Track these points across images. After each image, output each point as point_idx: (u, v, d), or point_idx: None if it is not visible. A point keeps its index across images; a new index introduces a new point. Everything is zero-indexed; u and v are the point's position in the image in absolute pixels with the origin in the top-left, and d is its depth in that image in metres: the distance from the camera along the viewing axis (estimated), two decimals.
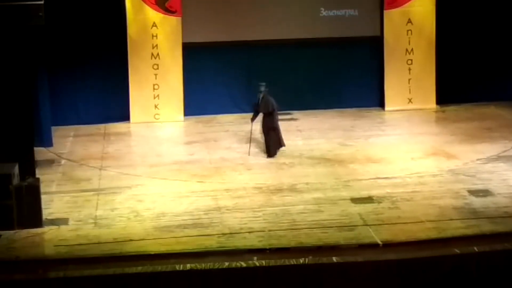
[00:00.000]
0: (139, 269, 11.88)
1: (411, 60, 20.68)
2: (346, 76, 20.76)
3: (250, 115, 17.35)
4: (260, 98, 16.97)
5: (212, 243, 12.63)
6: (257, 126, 17.21)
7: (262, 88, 16.95)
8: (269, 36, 20.38)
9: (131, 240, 12.81)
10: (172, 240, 12.76)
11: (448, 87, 20.72)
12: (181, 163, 16.81)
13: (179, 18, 19.94)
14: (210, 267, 11.93)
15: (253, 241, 12.68)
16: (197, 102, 20.29)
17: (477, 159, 16.57)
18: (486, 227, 13.06)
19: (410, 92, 20.73)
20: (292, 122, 19.76)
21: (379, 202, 14.28)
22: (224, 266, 11.95)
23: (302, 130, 19.11)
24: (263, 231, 13.08)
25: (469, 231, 12.93)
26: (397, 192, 14.74)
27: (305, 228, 13.15)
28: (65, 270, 11.89)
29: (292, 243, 12.64)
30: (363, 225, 13.28)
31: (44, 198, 13.80)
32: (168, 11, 19.85)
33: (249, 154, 17.12)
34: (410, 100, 20.72)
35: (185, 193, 14.91)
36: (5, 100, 13.91)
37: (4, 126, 13.94)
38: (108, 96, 19.96)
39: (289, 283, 12.01)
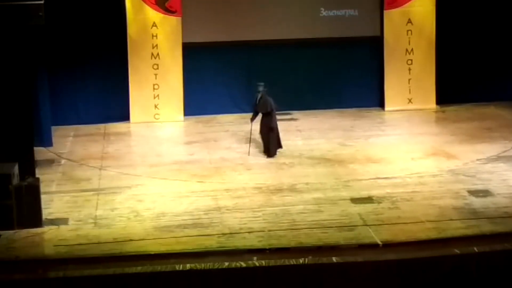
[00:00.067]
0: (139, 269, 11.88)
1: (411, 60, 20.67)
2: (346, 76, 20.76)
3: (250, 115, 17.34)
4: (258, 98, 16.97)
5: (212, 243, 12.63)
6: (256, 126, 17.20)
7: (261, 88, 16.95)
8: (269, 36, 20.37)
9: (131, 240, 12.81)
10: (172, 240, 12.76)
11: (448, 87, 20.72)
12: (181, 163, 16.81)
13: (179, 18, 19.94)
14: (210, 267, 11.93)
15: (253, 241, 12.68)
16: (197, 102, 20.29)
17: (477, 159, 16.57)
18: (486, 227, 13.06)
19: (410, 92, 20.73)
20: (292, 122, 19.76)
21: (379, 202, 14.27)
22: (224, 266, 11.95)
23: (302, 130, 19.11)
24: (263, 231, 13.08)
25: (469, 231, 12.93)
26: (397, 192, 14.74)
27: (305, 228, 13.15)
28: (65, 270, 11.89)
29: (292, 243, 12.64)
30: (363, 225, 13.28)
31: (44, 198, 13.80)
32: (168, 11, 19.85)
33: (248, 154, 17.12)
34: (410, 100, 20.71)
35: (185, 193, 14.91)
36: (5, 100, 13.91)
37: (4, 126, 13.93)
38: (108, 96, 19.96)
39: (289, 283, 12.01)
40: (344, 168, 16.25)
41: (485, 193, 14.60)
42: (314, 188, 15.06)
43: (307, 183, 15.33)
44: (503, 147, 17.38)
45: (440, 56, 20.61)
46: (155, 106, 20.08)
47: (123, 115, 20.00)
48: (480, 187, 14.92)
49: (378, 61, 20.81)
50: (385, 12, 20.53)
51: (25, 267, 12.02)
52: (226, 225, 13.34)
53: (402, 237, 12.80)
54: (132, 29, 19.81)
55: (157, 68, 19.97)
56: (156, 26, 19.84)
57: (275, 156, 16.95)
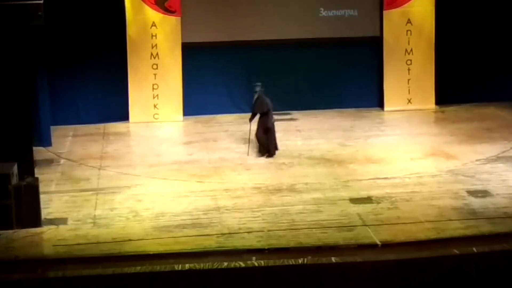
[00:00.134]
0: (138, 269, 11.88)
1: (411, 60, 20.67)
2: (346, 76, 20.76)
3: (250, 115, 17.33)
4: (255, 99, 16.97)
5: (211, 243, 12.62)
6: (255, 127, 17.18)
7: (257, 89, 16.94)
8: (269, 36, 20.38)
9: (130, 240, 12.80)
10: (171, 240, 12.76)
11: (447, 88, 20.72)
12: (180, 163, 16.81)
13: (179, 18, 19.94)
14: (209, 267, 11.93)
15: (252, 241, 12.68)
16: (196, 102, 20.29)
17: (477, 160, 16.56)
18: (485, 228, 13.05)
19: (409, 93, 20.73)
20: (292, 122, 19.77)
21: (378, 203, 14.27)
22: (223, 266, 11.94)
23: (302, 130, 19.11)
24: (262, 231, 13.07)
25: (468, 232, 12.93)
26: (396, 192, 14.74)
27: (304, 228, 13.14)
28: (64, 270, 11.89)
29: (291, 243, 12.63)
30: (362, 225, 13.27)
31: (43, 197, 13.79)
32: (167, 11, 19.85)
33: (248, 154, 17.12)
34: (409, 101, 20.71)
35: (184, 193, 14.90)
36: (5, 100, 13.90)
37: (3, 126, 13.93)
38: (107, 96, 19.96)
39: (288, 283, 12.01)
40: (344, 168, 16.25)
41: (484, 193, 14.59)
42: (314, 188, 15.05)
43: (306, 183, 15.33)
44: (503, 147, 17.38)
45: (440, 56, 20.61)
46: (155, 106, 20.08)
47: (123, 115, 20.00)
48: (479, 187, 14.92)
49: (378, 61, 20.81)
50: (385, 12, 20.53)
51: (24, 266, 12.02)
52: (225, 225, 13.34)
53: (401, 237, 12.80)
54: (131, 29, 19.81)
55: (157, 68, 19.97)
56: (155, 26, 19.84)
57: (275, 156, 16.94)
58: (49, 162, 16.90)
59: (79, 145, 18.22)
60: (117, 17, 19.58)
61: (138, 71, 19.91)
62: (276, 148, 17.08)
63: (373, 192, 14.75)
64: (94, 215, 13.86)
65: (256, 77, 18.29)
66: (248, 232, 13.01)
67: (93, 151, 17.70)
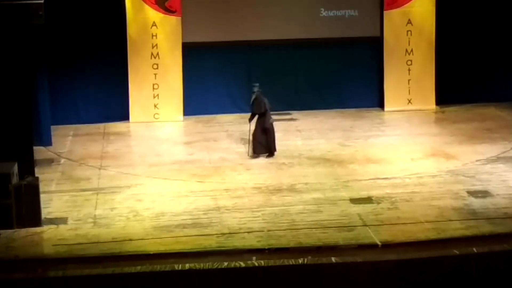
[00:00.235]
0: (138, 268, 11.87)
1: (411, 60, 20.68)
2: (346, 76, 20.78)
3: (250, 115, 17.33)
4: (253, 99, 16.96)
5: (211, 243, 12.62)
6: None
7: (255, 89, 16.93)
8: (269, 36, 20.39)
9: (130, 239, 12.80)
10: (171, 240, 12.76)
11: (447, 88, 20.72)
12: (181, 162, 16.81)
13: (179, 18, 19.95)
14: (209, 267, 11.92)
15: (252, 241, 12.67)
16: (196, 102, 20.30)
17: (477, 160, 16.56)
18: (485, 228, 13.05)
19: (409, 93, 20.74)
20: (292, 122, 19.77)
21: (379, 203, 14.27)
22: (223, 266, 11.94)
23: (302, 130, 19.12)
24: (262, 231, 13.07)
25: (468, 232, 12.92)
26: (396, 192, 14.73)
27: (304, 228, 13.14)
28: (64, 270, 11.89)
29: (291, 243, 12.63)
30: (362, 225, 13.27)
31: (43, 197, 13.79)
32: (168, 10, 19.86)
33: (248, 154, 17.12)
34: (409, 101, 20.72)
35: (184, 193, 14.90)
36: (5, 99, 13.90)
37: (3, 125, 13.92)
38: (107, 96, 19.97)
39: (288, 283, 12.00)
40: (344, 169, 16.25)
41: (484, 193, 14.59)
42: (314, 188, 15.05)
43: (306, 183, 15.33)
44: (503, 147, 17.38)
45: (440, 57, 20.62)
46: (155, 106, 20.08)
47: (123, 115, 20.01)
48: (479, 187, 14.92)
49: (378, 62, 20.82)
50: (385, 13, 20.54)
51: (24, 266, 12.02)
52: (226, 225, 13.34)
53: (401, 237, 12.79)
54: (132, 28, 19.82)
55: (157, 68, 19.98)
56: (156, 25, 19.85)
57: (274, 156, 16.95)
58: (49, 161, 16.91)
59: (80, 145, 18.22)
60: (117, 17, 19.60)
61: (139, 71, 19.92)
62: (274, 149, 17.07)
63: (373, 192, 14.75)
64: (95, 215, 13.86)
65: (256, 77, 18.32)
66: (248, 232, 13.01)
67: (93, 151, 17.70)
